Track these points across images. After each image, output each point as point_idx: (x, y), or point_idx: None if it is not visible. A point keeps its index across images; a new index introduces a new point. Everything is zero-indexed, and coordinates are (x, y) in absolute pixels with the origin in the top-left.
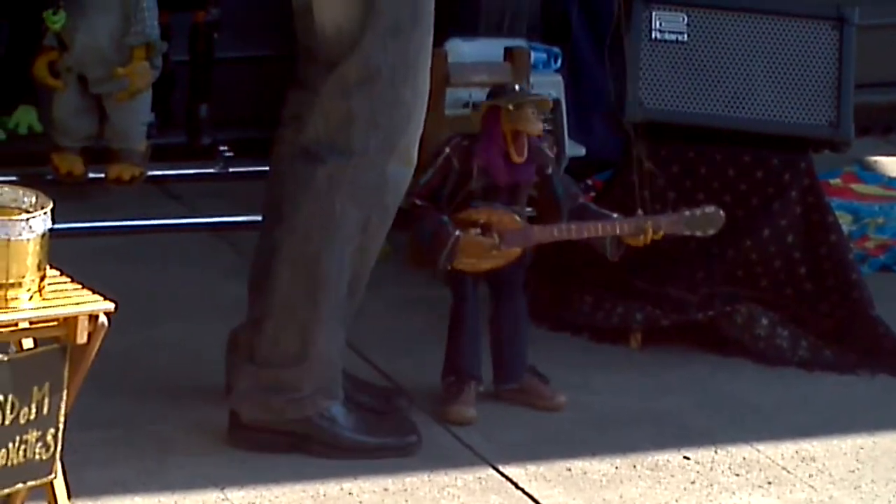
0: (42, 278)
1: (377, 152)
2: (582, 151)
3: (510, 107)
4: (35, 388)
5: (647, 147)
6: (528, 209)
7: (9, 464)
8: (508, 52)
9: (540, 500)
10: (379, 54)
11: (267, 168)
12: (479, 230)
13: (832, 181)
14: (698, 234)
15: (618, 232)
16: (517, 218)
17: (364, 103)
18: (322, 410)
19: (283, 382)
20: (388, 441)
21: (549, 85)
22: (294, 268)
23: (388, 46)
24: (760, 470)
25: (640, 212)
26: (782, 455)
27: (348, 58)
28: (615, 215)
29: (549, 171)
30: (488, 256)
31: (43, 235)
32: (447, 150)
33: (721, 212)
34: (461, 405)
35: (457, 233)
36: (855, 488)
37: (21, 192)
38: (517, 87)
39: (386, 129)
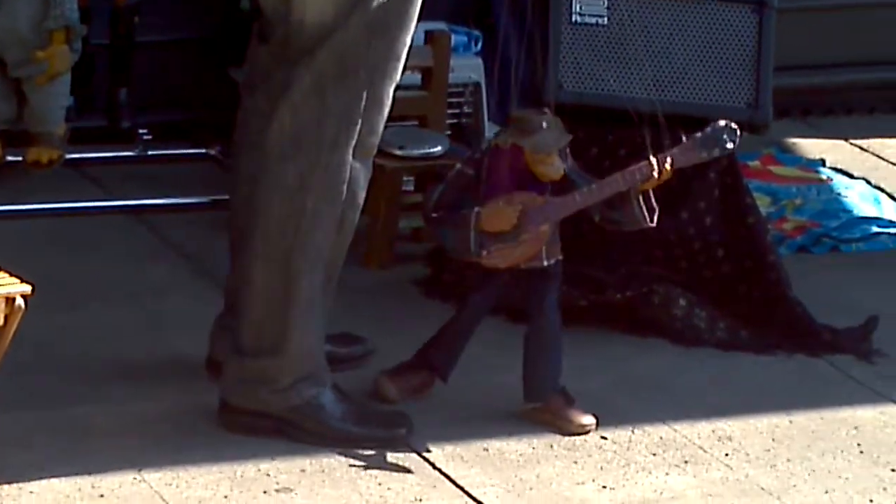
0: None
1: (347, 148)
2: None
3: (536, 152)
4: None
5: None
6: None
7: None
8: (429, 36)
9: (457, 481)
10: (362, 52)
11: (187, 151)
12: (500, 202)
13: (751, 163)
14: (716, 153)
15: (637, 178)
16: (538, 197)
17: (340, 99)
18: (309, 398)
19: (264, 374)
20: (375, 432)
21: (470, 68)
22: (269, 264)
23: (371, 44)
24: (677, 449)
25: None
26: (699, 434)
27: (326, 52)
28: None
29: (567, 173)
30: (518, 243)
31: None
32: (459, 165)
33: (732, 123)
34: (388, 381)
35: (476, 209)
36: (771, 467)
37: None
38: (544, 122)
39: (359, 126)
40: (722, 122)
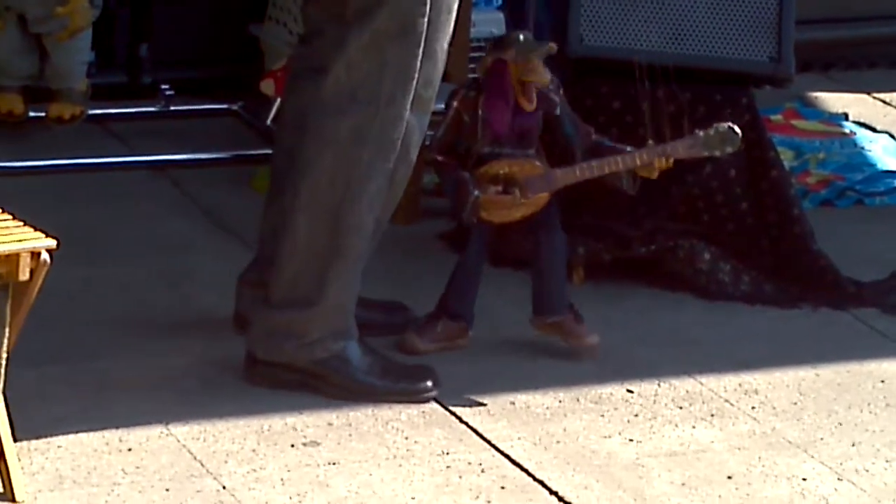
0: None
1: (403, 103)
2: None
3: (517, 59)
4: None
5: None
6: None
7: None
8: None
9: (484, 434)
10: (420, 9)
11: (208, 106)
12: (499, 188)
13: (773, 117)
14: (717, 154)
15: (638, 163)
16: (537, 164)
17: (397, 55)
18: (336, 351)
19: (293, 327)
20: (401, 386)
21: (491, 22)
22: (315, 217)
23: (428, 1)
24: (703, 402)
25: (650, 142)
26: (725, 388)
27: (385, 11)
28: (629, 148)
29: (558, 112)
30: (517, 206)
31: None
32: (455, 103)
33: (735, 128)
34: (416, 336)
35: (475, 193)
36: (797, 420)
37: None
38: (521, 36)
39: (416, 81)
40: (724, 125)
